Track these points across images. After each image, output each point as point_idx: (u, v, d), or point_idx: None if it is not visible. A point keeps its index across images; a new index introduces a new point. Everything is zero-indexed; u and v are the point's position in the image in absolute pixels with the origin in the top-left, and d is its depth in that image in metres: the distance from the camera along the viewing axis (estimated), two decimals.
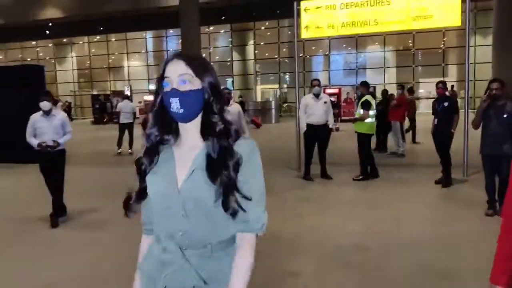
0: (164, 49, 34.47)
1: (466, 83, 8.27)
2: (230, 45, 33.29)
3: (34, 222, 6.16)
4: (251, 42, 32.54)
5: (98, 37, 35.37)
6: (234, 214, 1.45)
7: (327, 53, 31.08)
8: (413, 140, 13.51)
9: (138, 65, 36.19)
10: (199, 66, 1.46)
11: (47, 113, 5.98)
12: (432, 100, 8.47)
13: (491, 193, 5.81)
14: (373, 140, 9.48)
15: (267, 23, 31.75)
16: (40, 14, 29.97)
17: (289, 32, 29.88)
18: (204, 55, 27.30)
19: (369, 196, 7.26)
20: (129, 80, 34.80)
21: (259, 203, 1.47)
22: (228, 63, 33.12)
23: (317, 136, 8.23)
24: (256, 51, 32.33)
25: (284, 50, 32.06)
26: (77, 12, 29.07)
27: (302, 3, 8.73)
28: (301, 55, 27.85)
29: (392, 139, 11.59)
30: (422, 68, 30.14)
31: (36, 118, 5.99)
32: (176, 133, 1.52)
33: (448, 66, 29.66)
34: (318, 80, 8.49)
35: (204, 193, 1.44)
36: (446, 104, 7.54)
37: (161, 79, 1.48)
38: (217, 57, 34.00)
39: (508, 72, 19.23)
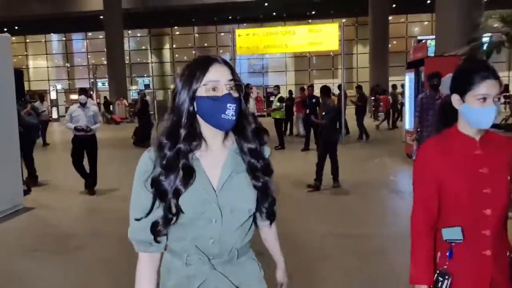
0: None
1: (343, 85, 12.81)
2: (149, 48, 36.31)
3: None
4: (167, 46, 35.89)
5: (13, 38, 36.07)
6: (273, 218, 1.56)
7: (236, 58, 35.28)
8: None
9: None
10: (236, 73, 1.43)
11: (83, 105, 7.37)
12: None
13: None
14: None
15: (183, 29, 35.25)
16: None
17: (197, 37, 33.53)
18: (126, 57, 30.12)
19: (278, 155, 11.41)
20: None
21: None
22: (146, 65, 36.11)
23: None
24: (176, 55, 35.68)
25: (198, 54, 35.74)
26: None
27: (237, 30, 12.78)
28: None
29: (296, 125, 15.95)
30: (316, 71, 35.50)
31: (74, 108, 7.41)
32: (199, 140, 1.42)
33: (338, 70, 35.40)
34: None
35: (243, 198, 1.44)
36: (313, 100, 11.50)
37: (192, 81, 1.37)
38: (138, 59, 36.72)
39: (381, 75, 24.96)
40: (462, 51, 8.46)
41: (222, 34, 34.65)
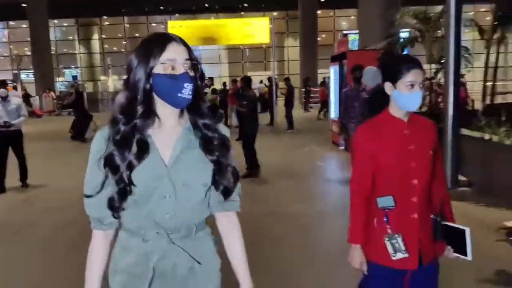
0: None
1: (273, 77, 13.31)
2: (77, 38, 34.97)
3: None
4: (96, 36, 34.78)
5: None
6: (226, 194, 1.51)
7: None
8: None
9: None
10: (193, 52, 1.44)
11: (4, 99, 7.01)
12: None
13: None
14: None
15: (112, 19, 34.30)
16: None
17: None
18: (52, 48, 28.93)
19: None
20: None
21: (237, 183, 1.52)
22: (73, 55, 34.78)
23: None
24: (105, 46, 34.64)
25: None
26: None
27: (169, 22, 12.85)
28: None
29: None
30: (249, 63, 35.98)
31: None
32: (153, 117, 1.43)
33: (270, 62, 36.07)
34: None
35: (196, 173, 1.45)
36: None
37: (149, 58, 1.37)
38: (64, 50, 35.26)
39: (311, 67, 25.89)
40: (380, 45, 9.16)
41: (154, 24, 34.12)
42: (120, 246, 1.53)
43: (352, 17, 32.97)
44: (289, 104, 14.72)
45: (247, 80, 8.01)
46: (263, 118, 16.34)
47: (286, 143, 11.85)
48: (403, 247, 2.03)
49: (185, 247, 1.47)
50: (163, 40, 1.41)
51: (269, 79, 15.29)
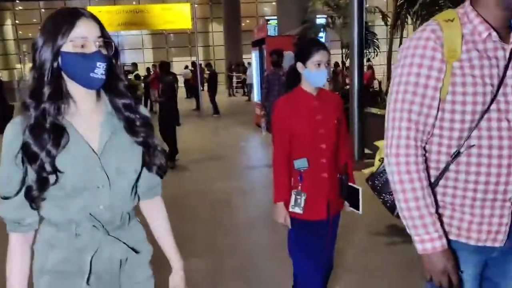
0: None
1: (197, 62, 13.52)
2: None
3: None
4: (9, 22, 32.75)
5: None
6: (161, 173, 1.48)
7: None
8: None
9: None
10: (105, 29, 1.34)
11: None
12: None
13: None
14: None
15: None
16: None
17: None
18: None
19: None
20: None
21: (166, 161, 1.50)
22: None
23: None
24: (20, 32, 32.70)
25: None
26: None
27: (88, 8, 12.55)
28: None
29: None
30: (174, 49, 35.60)
31: None
32: (66, 99, 1.32)
33: (195, 48, 35.84)
34: None
35: (127, 158, 1.40)
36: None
37: (56, 36, 1.25)
38: None
39: (236, 53, 26.21)
40: (296, 31, 9.71)
41: None
42: (44, 242, 1.41)
43: (274, 3, 33.63)
44: (212, 90, 15.00)
45: (164, 66, 7.87)
46: (190, 104, 16.62)
47: (211, 126, 12.20)
48: (302, 204, 2.40)
49: (120, 238, 1.42)
50: (72, 15, 1.28)
51: (193, 64, 15.44)
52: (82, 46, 1.27)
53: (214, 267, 3.70)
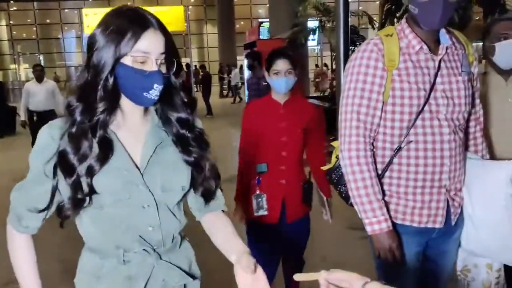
0: None
1: (191, 64, 13.71)
2: None
3: None
4: (4, 22, 32.80)
5: None
6: (207, 197, 1.33)
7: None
8: None
9: None
10: (172, 42, 1.19)
11: None
12: None
13: None
14: None
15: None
16: None
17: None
18: None
19: None
20: None
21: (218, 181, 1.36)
22: None
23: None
24: (14, 32, 32.75)
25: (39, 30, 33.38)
26: None
27: (84, 10, 12.80)
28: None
29: None
30: None
31: None
32: (117, 108, 1.19)
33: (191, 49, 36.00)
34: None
35: (173, 174, 1.25)
36: None
37: (120, 42, 1.11)
38: None
39: (230, 54, 26.34)
40: (286, 34, 9.95)
41: (66, 10, 32.81)
42: (87, 274, 1.27)
43: (268, 5, 33.72)
44: (206, 91, 15.17)
45: None
46: None
47: (204, 127, 12.33)
48: (265, 206, 2.46)
49: (174, 262, 1.29)
50: (141, 24, 1.14)
51: (187, 66, 15.66)
52: (142, 62, 1.15)
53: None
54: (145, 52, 1.14)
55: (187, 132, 1.28)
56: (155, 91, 1.16)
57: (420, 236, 1.77)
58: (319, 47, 18.17)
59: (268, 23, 13.61)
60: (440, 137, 1.67)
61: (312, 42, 13.57)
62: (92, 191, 1.15)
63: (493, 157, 2.02)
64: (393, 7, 8.77)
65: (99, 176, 1.15)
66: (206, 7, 33.15)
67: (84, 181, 1.14)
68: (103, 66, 1.13)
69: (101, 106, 1.15)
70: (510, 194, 1.68)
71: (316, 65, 21.25)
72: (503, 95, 2.13)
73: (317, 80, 19.26)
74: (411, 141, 1.68)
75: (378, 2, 13.63)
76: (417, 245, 1.78)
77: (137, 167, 1.22)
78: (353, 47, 8.96)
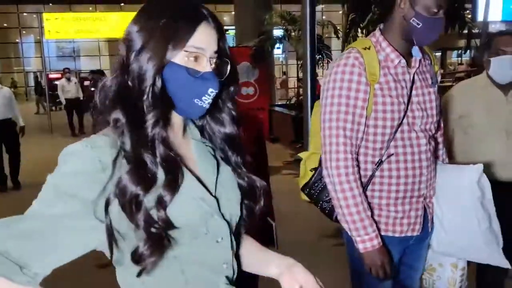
0: None
1: None
2: None
3: None
4: None
5: None
6: (251, 230, 1.13)
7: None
8: None
9: None
10: (226, 40, 1.00)
11: None
12: None
13: None
14: None
15: None
16: None
17: None
18: None
19: None
20: None
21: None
22: None
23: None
24: None
25: None
26: None
27: (45, 14, 12.46)
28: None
29: None
30: None
31: None
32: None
33: None
34: None
35: (235, 200, 1.04)
36: None
37: (169, 40, 0.90)
38: None
39: None
40: (252, 42, 9.99)
41: (25, 14, 31.84)
42: None
43: (233, 12, 33.91)
44: None
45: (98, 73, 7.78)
46: None
47: None
48: None
49: None
50: (194, 16, 0.94)
51: None
52: (195, 59, 0.94)
53: None
54: (199, 47, 0.94)
55: (235, 154, 1.07)
56: (208, 98, 0.95)
57: (400, 245, 1.81)
58: (283, 55, 18.34)
59: (233, 31, 13.62)
60: (418, 148, 1.71)
61: (277, 51, 13.66)
62: (170, 224, 0.89)
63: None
64: (357, 17, 8.95)
65: (170, 209, 0.90)
66: None
67: (154, 213, 0.89)
68: (149, 67, 0.91)
69: (151, 117, 0.91)
70: (477, 196, 1.73)
71: (284, 73, 21.45)
72: (504, 108, 2.28)
73: (277, 88, 19.46)
74: (392, 154, 1.71)
75: (341, 12, 13.92)
76: (397, 253, 1.82)
77: (210, 193, 0.99)
78: (319, 56, 9.12)
